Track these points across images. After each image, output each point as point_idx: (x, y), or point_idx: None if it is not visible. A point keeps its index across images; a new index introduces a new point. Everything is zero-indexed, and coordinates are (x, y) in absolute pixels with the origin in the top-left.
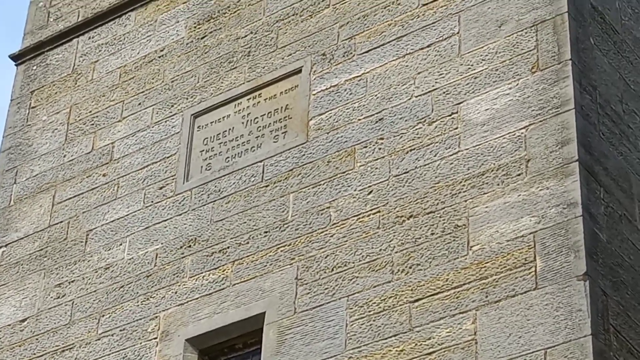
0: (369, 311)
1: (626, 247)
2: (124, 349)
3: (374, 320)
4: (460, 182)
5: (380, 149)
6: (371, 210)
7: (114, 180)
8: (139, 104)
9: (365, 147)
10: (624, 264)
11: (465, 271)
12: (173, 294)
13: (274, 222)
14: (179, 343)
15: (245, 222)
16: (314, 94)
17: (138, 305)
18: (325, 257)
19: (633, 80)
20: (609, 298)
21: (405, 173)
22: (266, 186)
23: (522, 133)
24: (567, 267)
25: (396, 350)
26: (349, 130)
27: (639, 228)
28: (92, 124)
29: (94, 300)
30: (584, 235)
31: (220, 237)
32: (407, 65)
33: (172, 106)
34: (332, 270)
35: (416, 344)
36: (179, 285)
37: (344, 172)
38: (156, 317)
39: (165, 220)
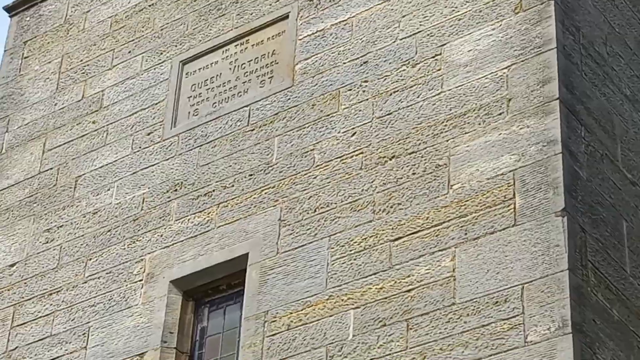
0: (350, 250)
1: (607, 186)
2: (110, 291)
3: (354, 259)
4: (442, 122)
5: (364, 91)
6: (354, 151)
7: (103, 127)
8: (129, 52)
9: (350, 90)
10: (605, 202)
11: (445, 209)
12: (159, 237)
13: (259, 165)
14: (164, 285)
15: (230, 166)
16: (300, 39)
17: (124, 249)
18: (308, 199)
19: (618, 23)
20: (588, 235)
21: (388, 115)
22: (252, 130)
23: (504, 73)
24: (546, 204)
25: (376, 288)
26: (334, 73)
27: (620, 168)
28: (83, 73)
29: (81, 245)
30: (563, 173)
31: (205, 180)
32: (392, 9)
33: (161, 54)
34: (315, 211)
35: (396, 282)
36: (165, 229)
37: (328, 115)
38: (142, 259)
39: (152, 165)
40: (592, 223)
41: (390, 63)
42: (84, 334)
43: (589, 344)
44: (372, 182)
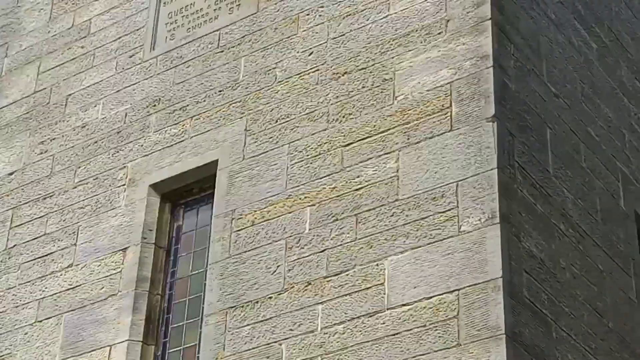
0: (307, 155)
1: (533, 98)
2: (97, 195)
3: (311, 163)
4: (389, 42)
5: (320, 16)
6: (311, 69)
7: (91, 51)
8: None
9: (308, 14)
10: (531, 111)
11: (391, 118)
12: (139, 147)
13: (227, 83)
14: (144, 189)
15: (202, 84)
16: None
17: (109, 158)
18: (271, 111)
19: None
20: (515, 139)
21: (341, 36)
22: (221, 52)
23: None
24: (478, 111)
25: (329, 188)
26: (293, 0)
27: (545, 82)
28: (73, 3)
29: (71, 155)
30: (494, 84)
31: (180, 97)
32: None
33: None
34: (277, 121)
35: (347, 182)
36: (145, 139)
37: (288, 37)
38: (124, 167)
39: (133, 84)
40: (519, 129)
41: None
42: (74, 232)
43: (515, 233)
44: (326, 95)
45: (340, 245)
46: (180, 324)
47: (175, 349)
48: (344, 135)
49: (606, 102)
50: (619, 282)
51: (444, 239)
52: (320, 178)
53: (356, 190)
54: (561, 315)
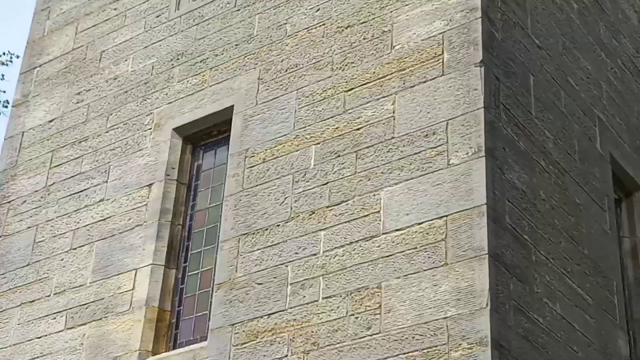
0: (313, 100)
1: (518, 47)
2: (126, 138)
3: (316, 107)
4: None
5: None
6: (318, 23)
7: (122, 12)
8: None
9: None
10: (516, 59)
11: (388, 65)
12: (164, 95)
13: (243, 37)
14: (168, 132)
15: (220, 39)
16: None
17: (137, 105)
18: (281, 61)
19: None
20: (501, 83)
21: None
22: (237, 10)
23: None
24: (468, 58)
25: (333, 128)
26: None
27: (529, 34)
28: None
29: (104, 103)
30: (482, 33)
31: (201, 50)
32: None
33: None
34: (286, 71)
35: (348, 123)
36: (169, 89)
37: None
38: (151, 113)
39: (160, 41)
40: (504, 74)
41: None
42: (105, 171)
43: (498, 166)
44: (331, 46)
45: (342, 178)
46: (199, 250)
47: (193, 272)
48: (346, 82)
49: (585, 56)
50: (594, 215)
51: (435, 171)
52: (325, 119)
53: (356, 129)
54: (540, 241)
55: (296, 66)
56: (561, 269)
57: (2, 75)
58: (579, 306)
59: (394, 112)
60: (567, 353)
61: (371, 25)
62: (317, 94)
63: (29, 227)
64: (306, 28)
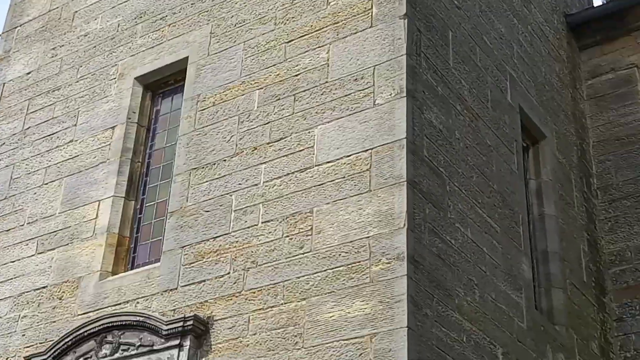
0: (258, 51)
1: (439, 5)
2: (93, 87)
3: (260, 57)
4: None
5: None
6: None
7: None
8: None
9: None
10: (436, 15)
11: (324, 19)
12: (128, 49)
13: None
14: (130, 81)
15: None
16: None
17: (104, 58)
18: (231, 17)
19: None
20: (422, 35)
21: None
22: None
23: None
24: (393, 11)
25: (275, 75)
26: None
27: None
28: None
29: (75, 57)
30: None
31: (161, 9)
32: None
33: None
34: (235, 25)
35: (288, 70)
36: (132, 43)
37: None
38: (116, 65)
39: (125, 2)
40: (426, 27)
41: None
42: (75, 116)
43: (418, 106)
44: (275, 3)
45: (281, 118)
46: (155, 184)
47: (150, 203)
48: (287, 34)
49: (499, 20)
50: (503, 156)
51: (362, 110)
52: (267, 67)
53: (295, 76)
54: (454, 174)
55: (244, 21)
56: (472, 200)
57: None
58: (488, 232)
59: (328, 60)
60: (476, 272)
61: None
62: (262, 45)
63: (7, 166)
64: None
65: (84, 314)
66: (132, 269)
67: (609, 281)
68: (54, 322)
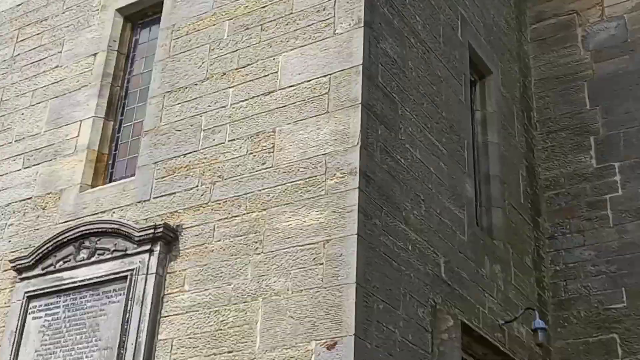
0: None
1: None
2: (78, 17)
3: None
4: None
5: None
6: None
7: None
8: None
9: None
10: None
11: None
12: None
13: None
14: (111, 12)
15: None
16: None
17: None
18: None
19: None
20: None
21: None
22: None
23: None
24: None
25: (244, 7)
26: None
27: None
28: None
29: None
30: None
31: None
32: None
33: None
34: None
35: (256, 2)
36: None
37: None
38: None
39: None
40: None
41: None
42: (60, 44)
43: (374, 36)
44: None
45: (249, 46)
46: (133, 106)
47: (128, 124)
48: None
49: None
50: (452, 87)
51: (323, 39)
52: (237, 0)
53: (262, 7)
54: (406, 100)
55: None
56: (422, 124)
57: None
58: (435, 155)
59: None
60: (423, 189)
61: None
62: None
63: None
64: None
65: (64, 222)
66: (109, 182)
67: (543, 204)
68: (38, 229)
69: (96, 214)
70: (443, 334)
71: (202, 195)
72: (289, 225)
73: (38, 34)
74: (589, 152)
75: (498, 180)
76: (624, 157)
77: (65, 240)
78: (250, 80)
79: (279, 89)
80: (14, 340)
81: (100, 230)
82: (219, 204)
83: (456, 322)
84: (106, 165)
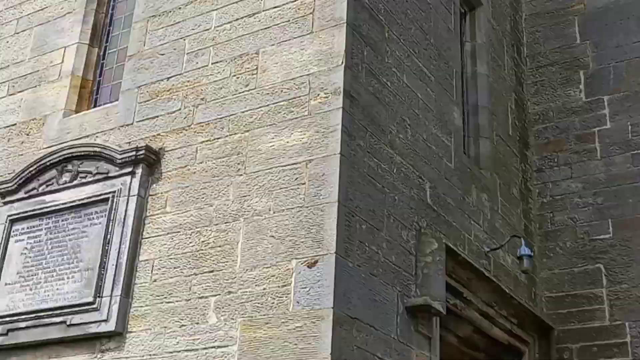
0: None
1: None
2: None
3: None
4: None
5: None
6: None
7: None
8: None
9: None
10: None
11: None
12: None
13: None
14: None
15: None
16: None
17: None
18: None
19: None
20: None
21: None
22: None
23: None
24: None
25: None
26: None
27: None
28: None
29: None
30: None
31: None
32: None
33: None
34: None
35: None
36: None
37: None
38: None
39: None
40: None
41: None
42: None
43: None
44: None
45: None
46: (117, 32)
47: (112, 50)
48: None
49: None
50: (441, 15)
51: None
52: None
53: None
54: (393, 24)
55: None
56: (410, 49)
57: None
58: (423, 80)
59: None
60: (410, 113)
61: None
62: None
63: None
64: None
65: (48, 147)
66: (94, 108)
67: (532, 137)
68: (22, 155)
69: (79, 138)
70: (427, 256)
71: (184, 118)
72: (271, 146)
73: None
74: (578, 86)
75: (487, 111)
76: (613, 91)
77: (48, 164)
78: (234, 3)
79: (263, 10)
80: None
81: (82, 153)
82: (202, 126)
83: (440, 245)
84: (90, 91)
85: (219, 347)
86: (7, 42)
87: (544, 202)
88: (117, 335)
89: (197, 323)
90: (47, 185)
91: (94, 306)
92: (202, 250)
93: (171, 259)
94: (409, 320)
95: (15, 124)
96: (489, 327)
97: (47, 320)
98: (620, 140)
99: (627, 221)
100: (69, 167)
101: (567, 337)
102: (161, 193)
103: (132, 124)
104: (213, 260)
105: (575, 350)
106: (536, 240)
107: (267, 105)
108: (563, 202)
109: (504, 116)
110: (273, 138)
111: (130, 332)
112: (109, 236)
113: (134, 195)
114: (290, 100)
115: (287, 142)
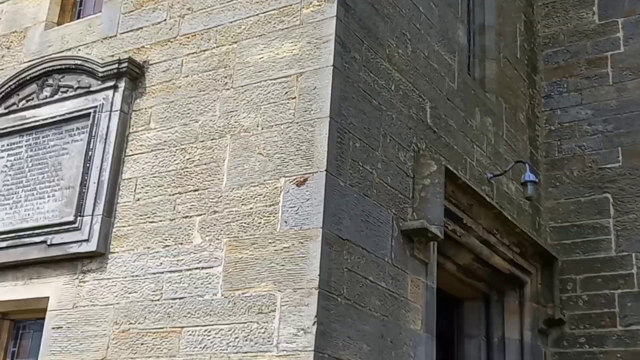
0: None
1: None
2: None
3: None
4: None
5: None
6: None
7: None
8: None
9: None
10: None
11: None
12: None
13: None
14: None
15: None
16: None
17: None
18: None
19: None
20: None
21: None
22: None
23: None
24: None
25: None
26: None
27: None
28: None
29: None
30: None
31: None
32: None
33: None
34: None
35: None
36: None
37: None
38: None
39: None
40: None
41: None
42: None
43: None
44: None
45: None
46: None
47: None
48: None
49: None
50: None
51: None
52: None
53: None
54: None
55: None
56: (405, 30)
57: None
58: None
59: None
60: (410, 27)
61: None
62: None
63: None
64: None
65: (29, 61)
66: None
67: (541, 61)
68: (2, 69)
69: (61, 51)
70: (425, 179)
71: (170, 29)
72: (260, 58)
73: None
74: (591, 8)
75: (494, 31)
76: (628, 13)
77: (28, 78)
78: None
79: None
80: None
81: (63, 67)
82: (188, 37)
83: (440, 167)
84: (73, 3)
85: (203, 268)
86: None
87: (552, 130)
88: (99, 256)
89: (181, 243)
90: (27, 101)
91: (75, 225)
92: (187, 168)
93: (155, 177)
94: (405, 244)
95: None
96: (489, 255)
97: (27, 240)
98: (633, 65)
99: (637, 149)
100: (50, 81)
101: (571, 268)
102: (145, 108)
103: (115, 35)
104: (198, 179)
105: (579, 281)
106: (542, 168)
107: (257, 14)
108: (571, 130)
109: (512, 38)
110: (262, 50)
111: (113, 252)
112: (90, 153)
113: (116, 111)
114: (281, 9)
115: (277, 53)
